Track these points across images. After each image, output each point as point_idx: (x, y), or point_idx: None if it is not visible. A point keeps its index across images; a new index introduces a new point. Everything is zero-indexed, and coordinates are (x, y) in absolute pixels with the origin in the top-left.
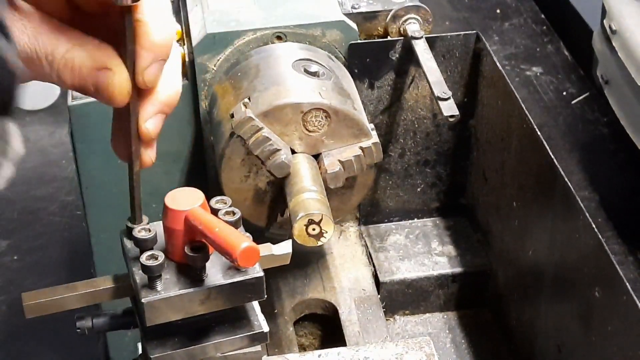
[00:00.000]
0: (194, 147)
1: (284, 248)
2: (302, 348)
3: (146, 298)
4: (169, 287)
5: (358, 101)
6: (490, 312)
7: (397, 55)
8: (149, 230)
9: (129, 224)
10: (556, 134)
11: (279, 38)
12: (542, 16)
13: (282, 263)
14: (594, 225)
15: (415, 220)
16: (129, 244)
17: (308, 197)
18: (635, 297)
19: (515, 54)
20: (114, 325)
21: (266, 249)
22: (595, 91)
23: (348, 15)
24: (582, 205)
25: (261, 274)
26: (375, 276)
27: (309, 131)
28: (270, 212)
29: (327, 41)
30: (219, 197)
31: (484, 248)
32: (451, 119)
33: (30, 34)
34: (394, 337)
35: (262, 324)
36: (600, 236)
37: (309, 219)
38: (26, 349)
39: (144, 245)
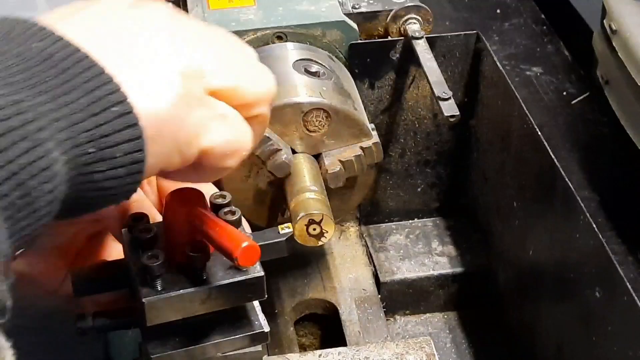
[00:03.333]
0: None
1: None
2: (303, 348)
3: (147, 298)
4: (169, 287)
5: (359, 101)
6: (490, 312)
7: (398, 55)
8: (149, 230)
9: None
10: (556, 134)
11: (279, 38)
12: (542, 16)
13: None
14: (594, 225)
15: (416, 220)
16: None
17: (309, 197)
18: (635, 297)
19: (515, 54)
20: (115, 325)
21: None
22: (595, 91)
23: (348, 15)
24: (582, 205)
25: (262, 273)
26: (376, 276)
27: (310, 131)
28: (270, 212)
29: (327, 41)
30: (217, 192)
31: (484, 248)
32: (452, 119)
33: None
34: (394, 337)
35: (262, 323)
36: (600, 236)
37: (309, 219)
38: (26, 348)
39: (144, 244)
